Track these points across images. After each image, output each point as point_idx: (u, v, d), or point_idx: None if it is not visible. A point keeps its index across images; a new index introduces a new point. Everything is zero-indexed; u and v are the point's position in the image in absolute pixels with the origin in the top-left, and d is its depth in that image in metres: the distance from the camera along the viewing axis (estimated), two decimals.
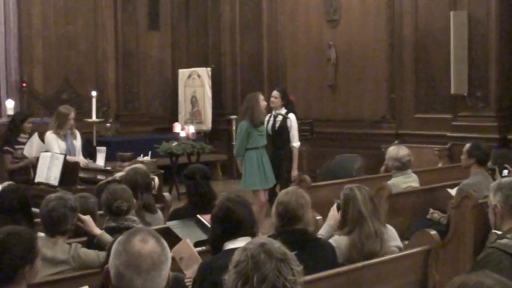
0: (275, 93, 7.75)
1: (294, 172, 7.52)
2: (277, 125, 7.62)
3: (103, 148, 7.53)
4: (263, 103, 7.23)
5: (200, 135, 11.65)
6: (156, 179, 5.49)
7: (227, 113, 11.91)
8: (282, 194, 3.63)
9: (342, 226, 3.87)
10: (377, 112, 10.13)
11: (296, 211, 3.51)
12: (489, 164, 5.79)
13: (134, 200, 4.29)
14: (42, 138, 7.36)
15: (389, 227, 4.03)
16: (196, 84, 12.18)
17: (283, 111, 7.67)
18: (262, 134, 7.25)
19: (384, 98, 10.08)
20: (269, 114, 7.69)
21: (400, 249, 3.98)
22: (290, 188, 3.73)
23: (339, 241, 3.79)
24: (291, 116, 7.64)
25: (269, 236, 3.47)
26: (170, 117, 12.81)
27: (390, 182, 5.80)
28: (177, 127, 11.59)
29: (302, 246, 3.31)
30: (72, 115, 7.36)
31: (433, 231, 4.01)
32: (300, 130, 9.50)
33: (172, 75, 12.91)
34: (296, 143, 7.58)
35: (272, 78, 11.66)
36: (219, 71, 12.33)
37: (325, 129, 10.47)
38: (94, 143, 8.85)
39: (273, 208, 3.62)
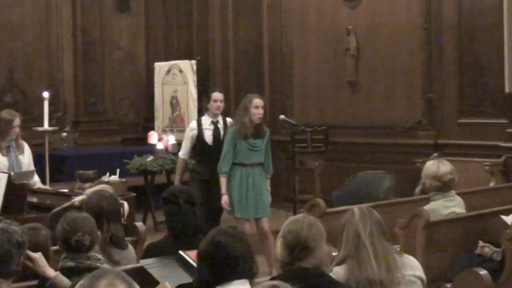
0: (220, 95, 7.89)
1: None
2: (222, 133, 7.78)
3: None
4: (253, 111, 7.24)
5: None
6: (126, 205, 5.49)
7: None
8: (290, 222, 3.67)
9: (338, 252, 4.01)
10: (410, 116, 10.14)
11: (308, 240, 3.56)
12: None
13: (99, 233, 4.29)
14: None
15: (408, 256, 4.14)
16: (177, 81, 12.17)
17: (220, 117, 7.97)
18: (255, 149, 7.32)
19: (419, 98, 10.09)
20: (207, 122, 7.90)
21: (422, 281, 4.05)
22: (299, 215, 3.78)
23: (338, 272, 3.88)
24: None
25: (273, 278, 3.49)
26: (143, 124, 12.79)
27: (427, 207, 5.81)
28: (153, 137, 11.57)
29: None
30: (17, 121, 7.36)
31: (483, 270, 4.02)
32: (311, 140, 9.49)
33: (146, 70, 12.92)
34: None
35: (275, 73, 11.68)
36: (206, 64, 12.34)
37: (343, 139, 10.46)
38: (47, 159, 8.84)
39: (279, 240, 3.64)
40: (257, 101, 7.28)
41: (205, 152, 7.84)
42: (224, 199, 7.32)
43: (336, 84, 10.95)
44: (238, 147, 7.26)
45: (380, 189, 8.72)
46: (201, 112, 11.93)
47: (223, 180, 7.33)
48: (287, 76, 11.55)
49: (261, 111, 7.26)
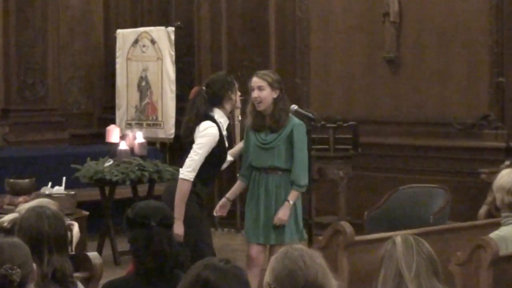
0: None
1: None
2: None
3: None
4: (252, 94, 7.23)
5: (155, 147, 11.63)
6: (76, 228, 5.48)
7: None
8: (281, 260, 3.61)
9: None
10: (473, 109, 10.15)
11: (319, 278, 3.54)
12: None
13: (35, 266, 4.27)
14: None
15: None
16: (148, 56, 12.18)
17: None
18: (263, 146, 7.31)
19: (485, 85, 10.09)
20: (225, 124, 7.50)
21: None
22: (284, 250, 3.71)
23: None
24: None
25: None
26: (100, 115, 12.79)
27: (496, 234, 5.81)
28: (113, 133, 11.56)
29: None
30: None
31: None
32: (334, 141, 9.51)
33: (105, 40, 12.94)
34: None
35: (285, 46, 11.68)
36: (189, 33, 12.35)
37: (379, 139, 10.48)
38: None
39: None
40: (252, 81, 7.28)
41: (216, 168, 7.52)
42: (221, 202, 7.44)
43: (369, 62, 10.95)
44: (251, 144, 7.33)
45: (430, 210, 8.70)
46: (182, 99, 11.94)
47: (236, 184, 7.52)
48: (302, 51, 11.56)
49: (257, 93, 7.18)
